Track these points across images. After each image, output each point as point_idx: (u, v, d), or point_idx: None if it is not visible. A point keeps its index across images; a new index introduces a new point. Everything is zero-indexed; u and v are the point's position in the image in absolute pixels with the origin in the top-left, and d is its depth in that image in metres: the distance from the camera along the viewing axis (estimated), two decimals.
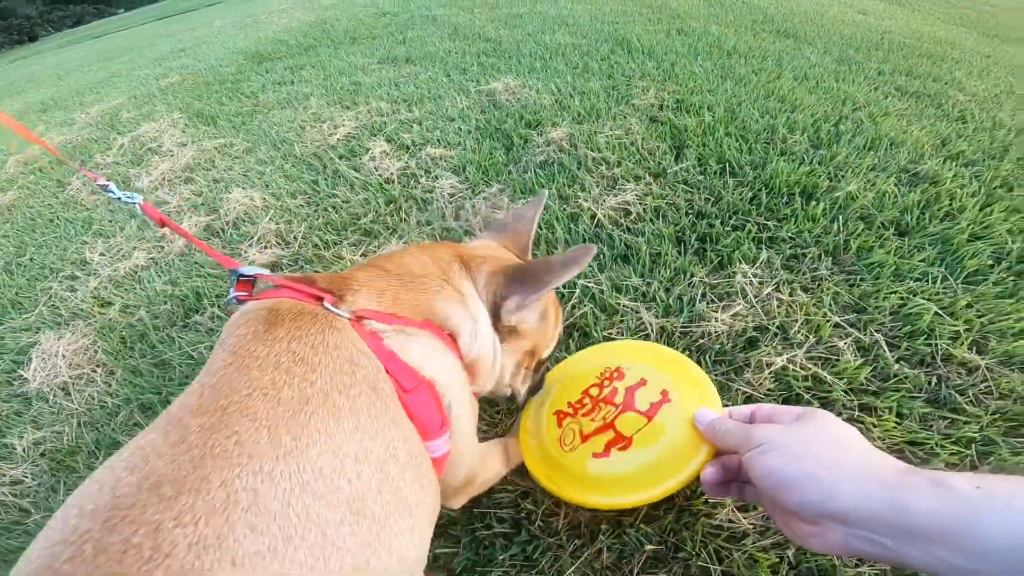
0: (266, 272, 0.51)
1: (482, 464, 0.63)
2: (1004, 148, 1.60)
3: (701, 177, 1.26)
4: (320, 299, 0.46)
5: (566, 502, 0.65)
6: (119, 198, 0.58)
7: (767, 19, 3.24)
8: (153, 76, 3.74)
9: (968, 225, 1.14)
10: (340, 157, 1.66)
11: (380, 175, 1.51)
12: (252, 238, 1.43)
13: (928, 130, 1.64)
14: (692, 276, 0.98)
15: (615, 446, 0.57)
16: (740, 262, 1.01)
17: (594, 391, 0.64)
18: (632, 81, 1.85)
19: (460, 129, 1.62)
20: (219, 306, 1.24)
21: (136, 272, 1.46)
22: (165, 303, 1.29)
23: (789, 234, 1.09)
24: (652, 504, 0.66)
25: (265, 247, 1.40)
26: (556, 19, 3.02)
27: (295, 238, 1.39)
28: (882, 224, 1.14)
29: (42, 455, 0.99)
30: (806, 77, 2.03)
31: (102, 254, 1.59)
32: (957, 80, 2.21)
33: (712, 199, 1.19)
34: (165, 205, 1.71)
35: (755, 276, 0.99)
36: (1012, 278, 1.02)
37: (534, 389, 0.72)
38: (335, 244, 1.31)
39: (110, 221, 1.74)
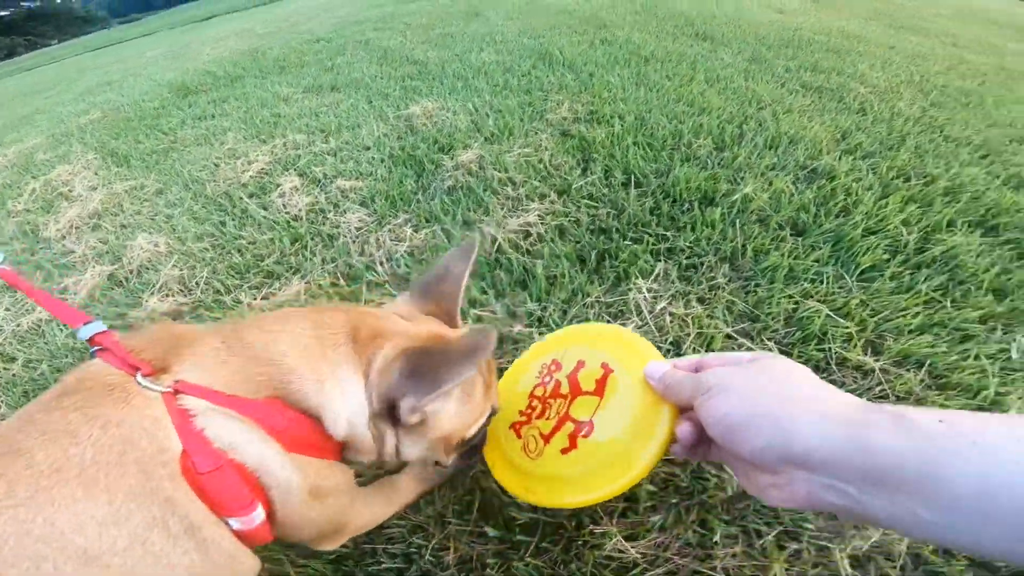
0: (107, 330, 0.50)
1: (353, 511, 0.61)
2: (902, 138, 1.68)
3: (606, 190, 1.28)
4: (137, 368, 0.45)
5: (557, 509, 0.64)
6: None
7: (688, 23, 3.35)
8: (75, 113, 3.60)
9: (863, 219, 1.18)
10: (250, 195, 1.62)
11: (288, 212, 1.48)
12: (154, 286, 1.37)
13: (828, 124, 1.71)
14: (588, 296, 0.99)
15: (579, 435, 0.54)
16: (637, 277, 1.02)
17: (539, 391, 0.62)
18: (549, 95, 1.87)
19: (373, 159, 1.60)
20: None
21: (39, 326, 1.39)
22: (67, 356, 1.23)
23: (687, 243, 1.11)
24: (559, 523, 0.67)
25: (167, 295, 1.34)
26: (486, 37, 3.05)
27: (197, 284, 1.34)
28: (779, 224, 1.17)
29: None
30: (717, 79, 2.09)
31: (7, 309, 1.51)
32: (860, 73, 2.32)
33: (615, 212, 1.20)
34: (71, 255, 1.63)
35: (651, 291, 1.00)
36: (908, 272, 1.05)
37: (469, 457, 0.66)
38: (236, 288, 1.28)
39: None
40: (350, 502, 0.59)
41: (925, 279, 1.02)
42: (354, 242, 1.32)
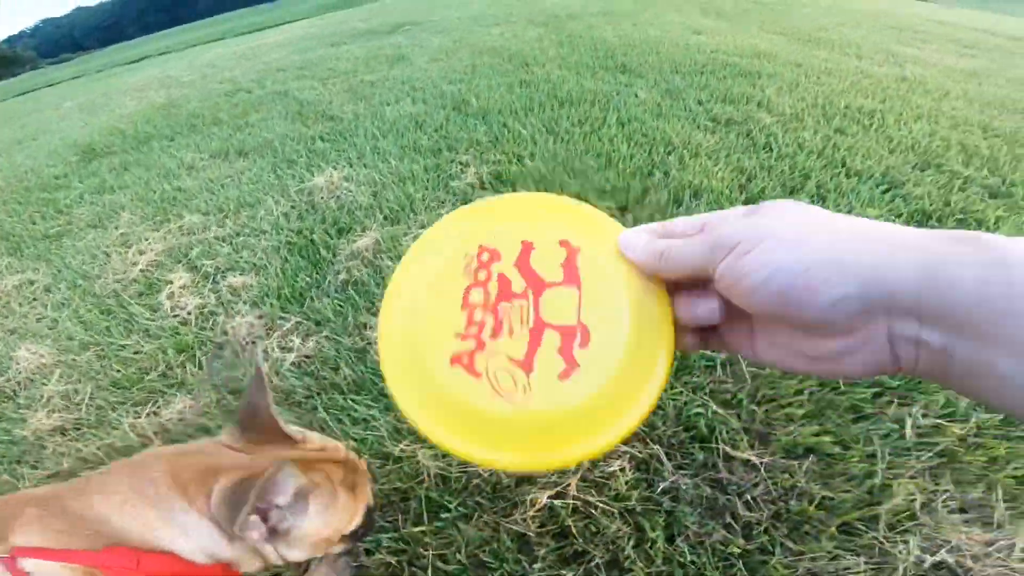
0: None
1: None
2: (805, 176, 1.71)
3: None
4: None
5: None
6: None
7: (609, 54, 3.41)
8: None
9: None
10: (139, 294, 1.51)
11: (176, 316, 1.39)
12: (39, 401, 1.26)
13: (733, 167, 1.73)
14: None
15: (572, 347, 0.38)
16: None
17: (477, 296, 0.39)
18: (457, 155, 1.83)
19: (268, 247, 1.52)
20: (8, 471, 1.11)
21: None
22: None
23: None
24: None
25: (52, 411, 1.24)
26: (407, 84, 3.01)
27: (82, 400, 1.24)
28: None
29: None
30: (629, 120, 2.11)
31: None
32: (768, 98, 2.39)
33: None
34: None
35: None
36: None
37: (361, 535, 0.70)
38: (120, 405, 1.18)
39: None
40: None
41: None
42: (241, 352, 1.24)
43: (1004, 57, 4.19)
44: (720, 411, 0.91)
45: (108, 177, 2.52)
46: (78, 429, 1.18)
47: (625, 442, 0.56)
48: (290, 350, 1.16)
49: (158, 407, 1.14)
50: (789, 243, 0.28)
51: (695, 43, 3.74)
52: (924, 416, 0.89)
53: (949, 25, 6.06)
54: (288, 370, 1.12)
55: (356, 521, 0.66)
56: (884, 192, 1.61)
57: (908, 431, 0.87)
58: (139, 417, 1.14)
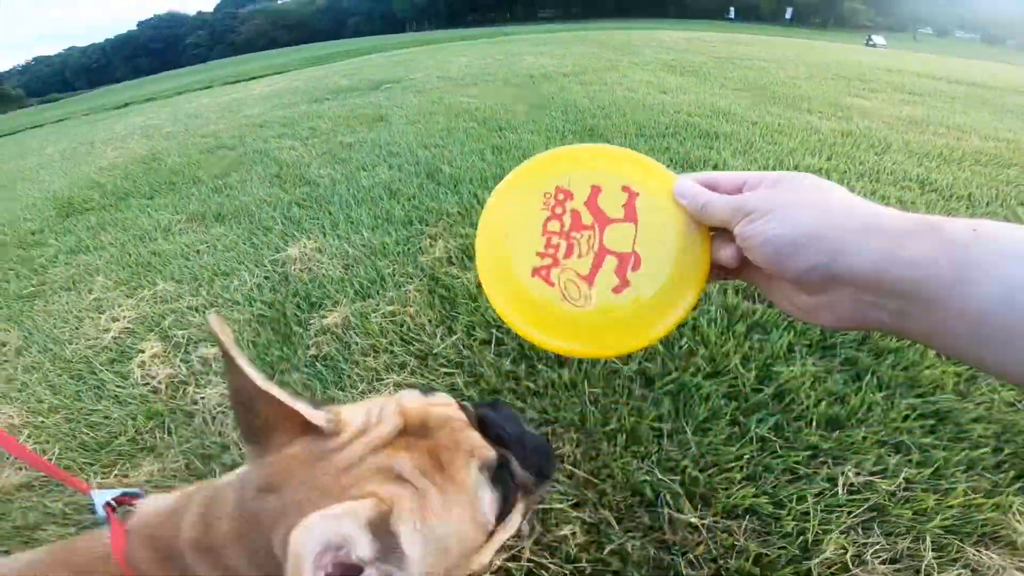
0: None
1: None
2: None
3: (467, 352, 1.32)
4: None
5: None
6: None
7: (579, 117, 3.62)
8: None
9: (705, 362, 1.26)
10: (110, 361, 1.55)
11: (147, 384, 1.42)
12: (5, 458, 1.29)
13: None
14: None
15: (627, 270, 0.48)
16: None
17: (554, 225, 0.51)
18: (427, 228, 1.94)
19: (240, 320, 1.58)
20: None
21: None
22: None
23: (540, 408, 1.16)
24: None
25: (19, 468, 1.26)
26: (384, 147, 3.16)
27: (50, 459, 1.26)
28: (629, 377, 1.24)
29: None
30: None
31: None
32: (724, 161, 2.57)
33: (472, 379, 1.24)
34: None
35: None
36: (744, 415, 1.11)
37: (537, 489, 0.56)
38: (88, 466, 1.22)
39: None
40: None
41: (759, 422, 1.09)
42: (212, 420, 1.27)
43: (945, 103, 4.57)
44: (664, 478, 0.99)
45: (84, 236, 2.56)
46: (44, 486, 1.20)
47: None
48: None
49: (126, 470, 1.18)
50: (786, 220, 0.36)
51: (660, 103, 3.99)
52: (856, 474, 0.98)
53: (896, 72, 6.58)
54: None
55: (487, 504, 0.48)
56: None
57: (840, 489, 0.95)
58: (107, 478, 1.17)
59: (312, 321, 1.50)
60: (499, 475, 0.51)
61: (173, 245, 2.18)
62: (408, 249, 1.80)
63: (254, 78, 14.29)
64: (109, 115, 11.92)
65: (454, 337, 1.36)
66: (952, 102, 4.63)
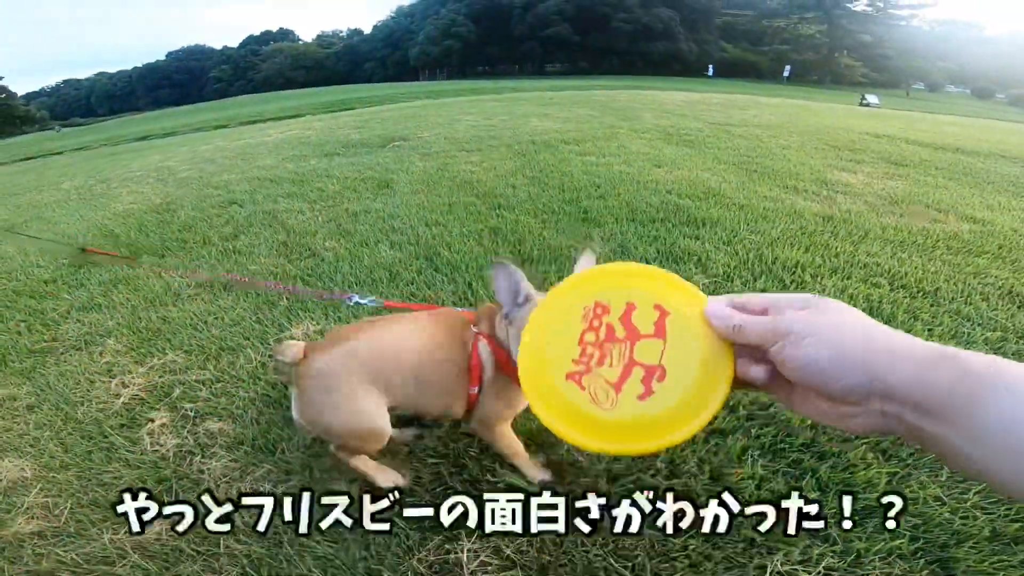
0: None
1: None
2: None
3: (453, 444, 1.47)
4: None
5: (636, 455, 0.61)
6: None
7: (575, 197, 3.79)
8: None
9: (666, 464, 1.39)
10: (121, 426, 1.69)
11: (155, 452, 1.55)
12: (19, 508, 1.41)
13: None
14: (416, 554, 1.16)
15: (652, 380, 0.53)
16: (463, 538, 1.18)
17: (590, 337, 0.57)
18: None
19: (245, 397, 1.72)
20: None
21: None
22: None
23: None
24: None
25: (32, 517, 1.39)
26: (387, 221, 3.36)
27: (61, 512, 1.39)
28: (596, 475, 1.39)
29: None
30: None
31: None
32: (707, 255, 2.68)
33: (456, 469, 1.39)
34: None
35: (471, 550, 1.16)
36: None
37: None
38: (100, 522, 1.34)
39: None
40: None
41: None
42: (217, 489, 1.42)
43: (927, 175, 4.76)
44: (616, 564, 1.14)
45: (96, 292, 2.71)
46: (57, 536, 1.32)
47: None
48: (262, 494, 1.34)
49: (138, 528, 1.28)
50: (825, 342, 0.42)
51: (653, 180, 4.19)
52: (783, 563, 1.13)
53: (884, 139, 6.81)
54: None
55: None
56: None
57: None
58: (118, 534, 1.29)
59: None
60: None
61: (182, 312, 2.34)
62: None
63: (270, 119, 14.89)
64: (128, 148, 12.34)
65: (441, 430, 1.51)
66: (936, 174, 4.81)
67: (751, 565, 1.13)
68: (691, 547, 1.17)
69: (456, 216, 3.41)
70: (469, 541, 1.22)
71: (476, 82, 36.70)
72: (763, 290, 2.38)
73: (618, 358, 0.55)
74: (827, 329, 0.43)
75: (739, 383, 0.51)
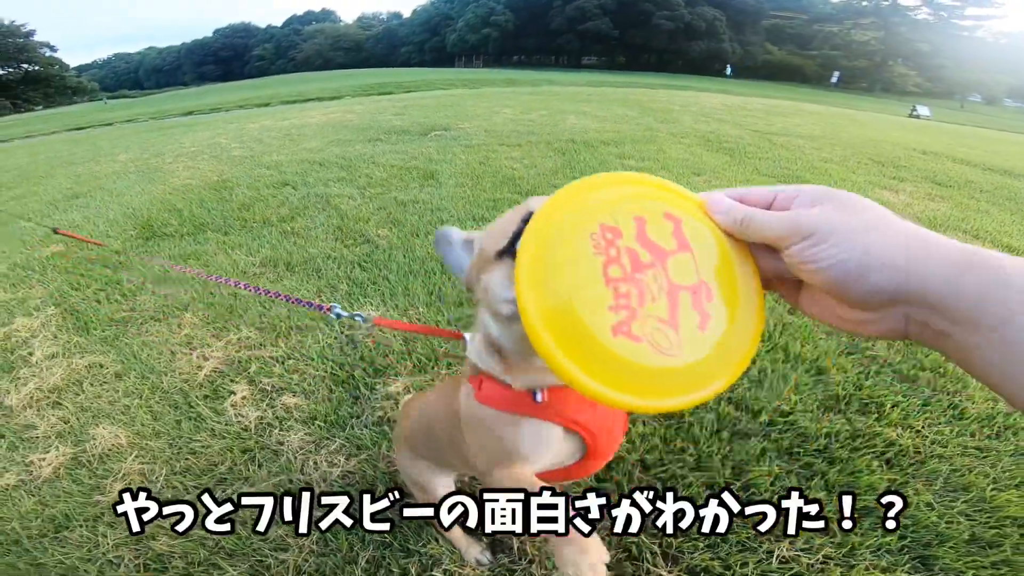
0: None
1: None
2: (752, 360, 2.08)
3: None
4: None
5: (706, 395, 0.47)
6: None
7: None
8: (37, 238, 3.67)
9: (694, 458, 1.51)
10: (205, 397, 1.83)
11: (239, 423, 1.70)
12: (117, 474, 1.55)
13: None
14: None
15: (702, 302, 0.45)
16: None
17: (615, 271, 0.45)
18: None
19: (315, 375, 1.87)
20: (86, 527, 1.38)
21: (7, 490, 1.54)
22: (36, 519, 1.42)
23: None
24: None
25: (129, 484, 1.53)
26: (434, 213, 3.48)
27: (157, 479, 1.53)
28: (631, 463, 1.50)
29: None
30: None
31: None
32: None
33: None
34: (32, 430, 1.76)
35: None
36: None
37: None
38: (193, 489, 1.48)
39: None
40: None
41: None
42: (295, 460, 1.55)
43: (971, 198, 4.67)
44: (647, 540, 1.27)
45: (168, 267, 2.90)
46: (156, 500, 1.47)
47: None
48: (336, 466, 1.51)
49: (226, 496, 1.42)
50: (850, 242, 0.37)
51: (693, 190, 4.24)
52: (788, 549, 1.25)
53: (931, 155, 6.65)
54: (335, 480, 1.47)
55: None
56: (812, 377, 1.91)
57: (774, 559, 1.23)
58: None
59: (378, 386, 1.78)
60: None
61: (251, 291, 2.50)
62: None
63: (310, 100, 15.19)
64: (175, 122, 12.75)
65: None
66: (980, 197, 4.72)
67: (761, 549, 1.26)
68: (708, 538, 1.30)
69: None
70: None
71: (512, 72, 36.53)
72: (791, 311, 2.39)
73: (657, 287, 0.45)
74: (855, 228, 0.38)
75: None
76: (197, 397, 1.83)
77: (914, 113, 19.48)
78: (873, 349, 2.13)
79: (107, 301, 2.61)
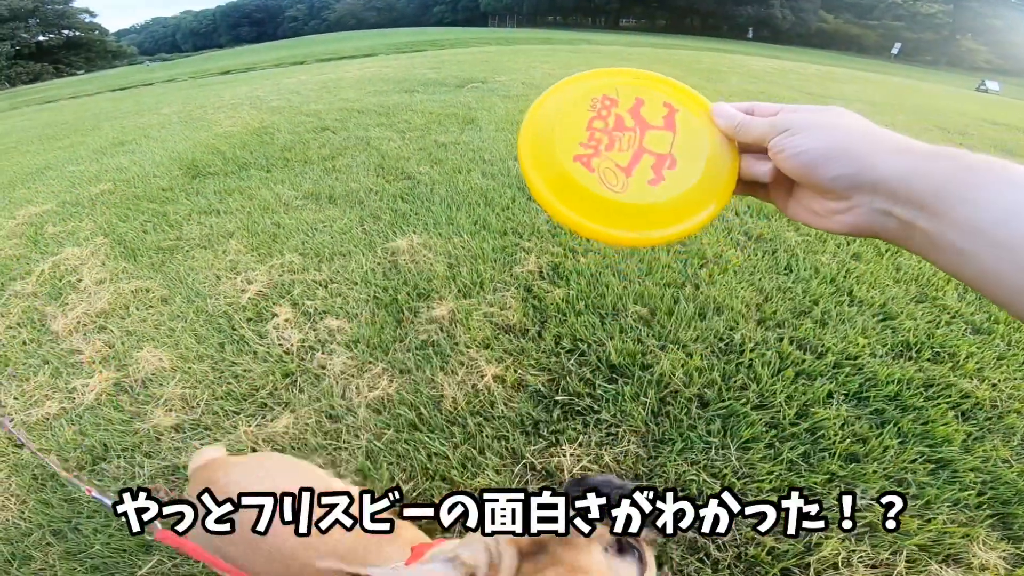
0: None
1: None
2: (813, 302, 1.96)
3: (554, 358, 1.52)
4: None
5: (651, 246, 0.56)
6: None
7: None
8: (86, 178, 3.77)
9: (755, 396, 1.43)
10: (248, 320, 1.83)
11: (281, 346, 1.69)
12: (158, 400, 1.55)
13: (754, 287, 1.98)
14: (524, 457, 1.21)
15: (663, 167, 0.52)
16: (564, 443, 1.25)
17: (599, 124, 0.54)
18: (521, 241, 2.15)
19: (358, 298, 1.84)
20: (124, 457, 1.37)
21: (48, 419, 1.55)
22: (75, 451, 1.42)
23: (608, 415, 1.35)
24: None
25: (170, 409, 1.52)
26: (476, 152, 3.40)
27: (198, 404, 1.52)
28: (687, 399, 1.42)
29: None
30: None
31: (16, 398, 1.66)
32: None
33: (555, 383, 1.44)
34: (78, 355, 1.80)
35: (574, 455, 1.23)
36: (779, 441, 1.31)
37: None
38: (234, 414, 1.47)
39: (24, 364, 1.80)
40: None
41: (791, 448, 1.29)
42: (336, 384, 1.53)
43: None
44: (708, 479, 1.21)
45: (213, 200, 2.92)
46: (194, 429, 1.45)
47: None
48: (376, 389, 1.47)
49: (267, 420, 1.43)
50: (821, 135, 0.41)
51: None
52: (860, 498, 1.19)
53: (1001, 126, 6.24)
54: (370, 404, 1.43)
55: (625, 571, 0.56)
56: (879, 322, 1.80)
57: (846, 510, 1.14)
58: (250, 427, 1.42)
59: (421, 310, 1.74)
60: (622, 543, 0.58)
61: (294, 220, 2.49)
62: (504, 259, 2.02)
63: (344, 58, 15.06)
64: (213, 80, 12.87)
65: (544, 343, 1.57)
66: None
67: (831, 496, 1.19)
68: (775, 473, 1.23)
69: None
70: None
71: (548, 32, 35.31)
72: (854, 257, 2.28)
73: (628, 144, 0.53)
74: (824, 123, 0.43)
75: (745, 185, 0.51)
76: (240, 320, 1.83)
77: (982, 87, 18.18)
78: (944, 298, 1.97)
79: (154, 231, 2.65)
